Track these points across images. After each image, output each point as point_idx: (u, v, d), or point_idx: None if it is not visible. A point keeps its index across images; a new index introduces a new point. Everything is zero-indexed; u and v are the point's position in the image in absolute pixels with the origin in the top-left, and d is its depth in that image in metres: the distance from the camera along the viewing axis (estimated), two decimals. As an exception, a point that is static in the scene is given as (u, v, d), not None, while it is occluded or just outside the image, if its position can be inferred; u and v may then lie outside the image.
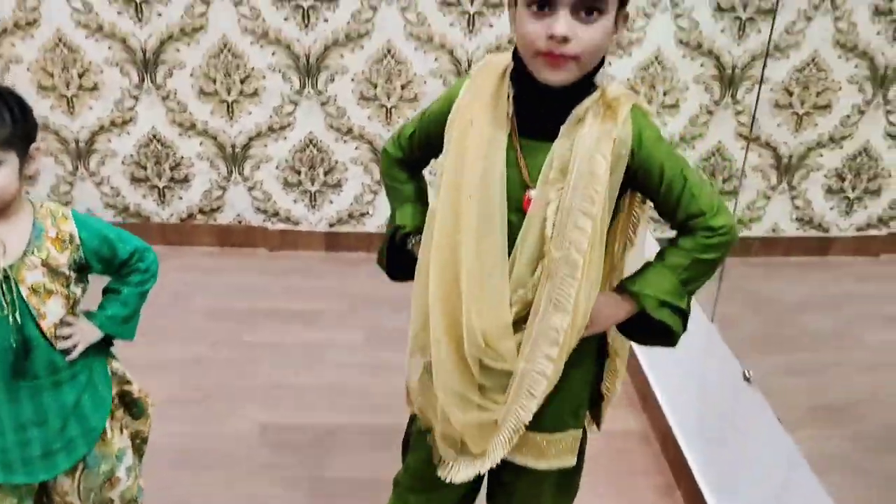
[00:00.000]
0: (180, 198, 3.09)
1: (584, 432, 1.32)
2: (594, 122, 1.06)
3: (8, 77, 2.84)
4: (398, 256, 1.29)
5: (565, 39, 0.98)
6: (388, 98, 2.93)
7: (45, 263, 1.28)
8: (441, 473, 1.26)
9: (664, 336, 1.18)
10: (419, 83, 2.90)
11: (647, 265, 1.17)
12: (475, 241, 1.10)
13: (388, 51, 2.85)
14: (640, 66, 2.86)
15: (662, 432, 2.05)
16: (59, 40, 2.80)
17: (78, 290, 1.34)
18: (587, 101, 1.07)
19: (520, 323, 1.14)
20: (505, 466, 1.25)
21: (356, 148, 3.01)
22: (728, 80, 2.89)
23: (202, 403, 2.15)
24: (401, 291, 1.34)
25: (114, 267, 1.37)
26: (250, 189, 3.09)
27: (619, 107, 1.06)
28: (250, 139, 3.00)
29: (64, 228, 1.30)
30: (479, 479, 1.32)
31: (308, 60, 2.86)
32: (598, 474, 1.69)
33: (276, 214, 3.12)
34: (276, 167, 3.05)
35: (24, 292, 1.26)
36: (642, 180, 1.11)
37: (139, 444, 1.53)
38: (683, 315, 1.16)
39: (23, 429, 1.33)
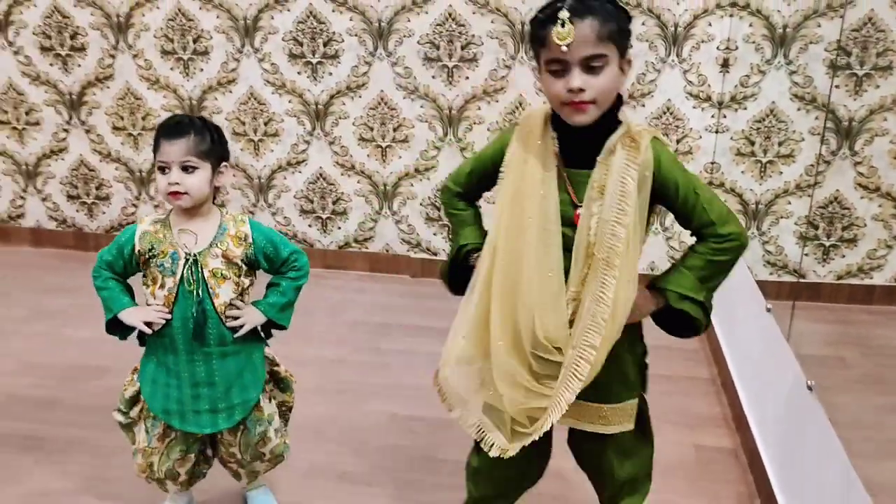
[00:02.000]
0: (339, 227, 3.60)
1: (643, 401, 1.56)
2: (622, 151, 1.33)
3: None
4: (460, 272, 1.53)
5: (581, 90, 1.27)
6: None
7: (224, 254, 1.66)
8: (492, 452, 1.46)
9: (690, 327, 1.43)
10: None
11: (672, 266, 1.43)
12: (535, 253, 1.37)
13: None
14: (755, 118, 3.07)
15: (750, 449, 2.21)
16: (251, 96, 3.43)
17: (246, 282, 1.70)
18: (615, 136, 1.34)
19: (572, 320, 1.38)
20: (577, 434, 1.54)
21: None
22: (845, 132, 3.02)
23: (341, 394, 2.55)
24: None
25: (276, 264, 1.72)
26: (397, 222, 3.54)
27: (640, 139, 1.34)
28: (400, 179, 3.46)
29: (241, 230, 1.68)
30: (544, 451, 1.59)
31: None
32: (685, 480, 1.88)
33: (418, 245, 3.55)
34: (420, 203, 3.49)
35: (206, 274, 1.64)
36: (662, 195, 1.37)
37: (284, 411, 1.89)
38: (704, 308, 1.41)
39: (196, 386, 1.70)
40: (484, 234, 1.50)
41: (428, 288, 3.43)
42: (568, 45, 1.25)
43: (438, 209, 3.47)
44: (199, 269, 1.64)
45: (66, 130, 3.68)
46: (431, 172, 3.43)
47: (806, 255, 3.23)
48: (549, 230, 1.37)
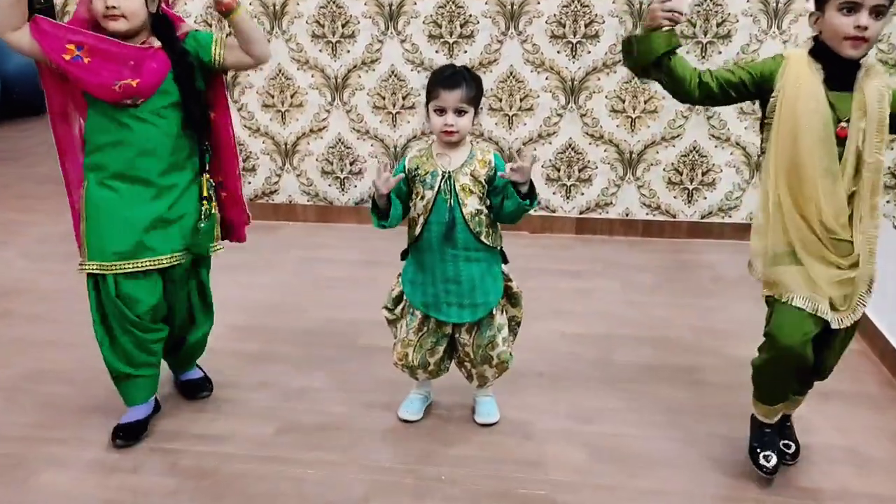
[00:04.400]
0: (355, 186, 4.15)
1: None
2: (869, 78, 1.72)
3: (243, 97, 4.03)
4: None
5: (866, 28, 1.63)
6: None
7: (472, 174, 2.02)
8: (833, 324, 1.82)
9: None
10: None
11: None
12: (815, 158, 1.73)
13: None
14: None
15: (881, 349, 2.70)
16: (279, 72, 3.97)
17: (489, 200, 2.04)
18: (864, 67, 1.72)
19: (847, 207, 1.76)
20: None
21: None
22: None
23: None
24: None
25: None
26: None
27: (877, 69, 1.74)
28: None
29: (487, 157, 2.04)
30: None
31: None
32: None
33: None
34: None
35: (457, 188, 2.00)
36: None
37: (514, 325, 2.21)
38: None
39: (446, 282, 2.05)
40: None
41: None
42: None
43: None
44: (452, 183, 2.01)
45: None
46: (436, 135, 3.98)
47: None
48: (823, 139, 1.73)
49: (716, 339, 2.87)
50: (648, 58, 1.79)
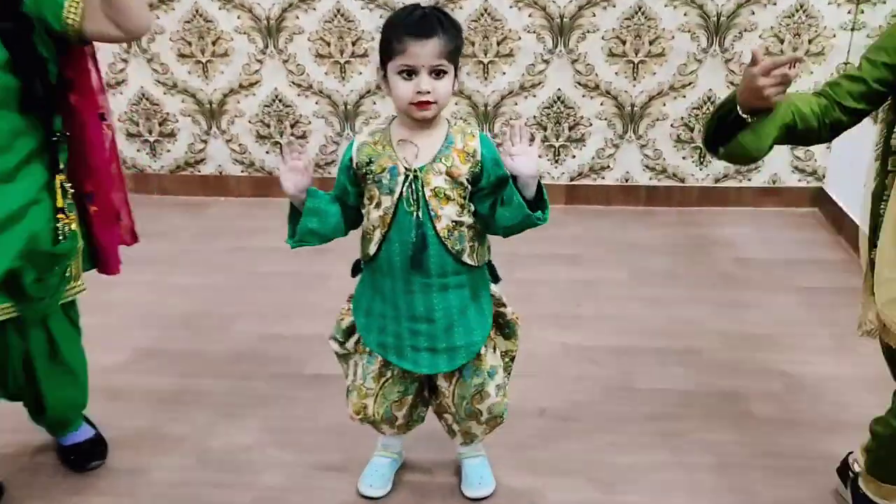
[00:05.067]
0: (299, 153, 3.42)
1: None
2: None
3: (152, 45, 3.25)
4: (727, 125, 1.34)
5: None
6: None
7: (449, 172, 1.41)
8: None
9: None
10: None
11: None
12: None
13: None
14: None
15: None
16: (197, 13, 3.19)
17: (471, 204, 1.44)
18: None
19: None
20: None
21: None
22: None
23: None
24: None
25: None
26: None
27: None
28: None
29: (470, 144, 1.42)
30: None
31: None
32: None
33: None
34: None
35: (427, 193, 1.40)
36: None
37: (507, 362, 1.64)
38: None
39: (414, 320, 1.48)
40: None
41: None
42: None
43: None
44: (420, 186, 1.41)
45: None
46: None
47: None
48: None
49: (755, 350, 2.31)
50: (760, 154, 1.34)
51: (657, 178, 3.31)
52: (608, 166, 3.32)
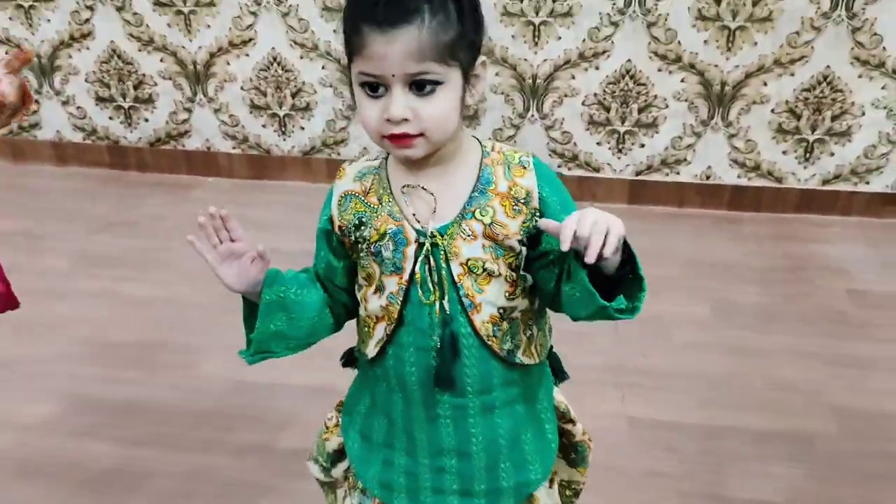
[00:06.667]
0: (302, 129, 2.80)
1: None
2: None
3: None
4: None
5: None
6: None
7: (488, 231, 0.88)
8: None
9: None
10: None
11: None
12: None
13: None
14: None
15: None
16: None
17: (525, 278, 0.93)
18: None
19: None
20: None
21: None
22: None
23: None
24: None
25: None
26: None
27: None
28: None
29: (520, 183, 0.89)
30: None
31: None
32: None
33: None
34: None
35: (456, 271, 0.89)
36: None
37: (569, 496, 1.15)
38: None
39: (439, 455, 0.99)
40: None
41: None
42: None
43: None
44: (444, 262, 0.89)
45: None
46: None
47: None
48: None
49: (888, 439, 1.71)
50: None
51: (747, 176, 2.64)
52: (685, 159, 2.65)
